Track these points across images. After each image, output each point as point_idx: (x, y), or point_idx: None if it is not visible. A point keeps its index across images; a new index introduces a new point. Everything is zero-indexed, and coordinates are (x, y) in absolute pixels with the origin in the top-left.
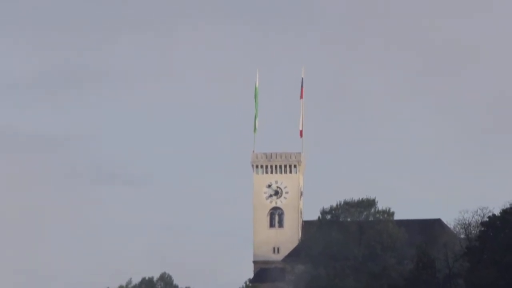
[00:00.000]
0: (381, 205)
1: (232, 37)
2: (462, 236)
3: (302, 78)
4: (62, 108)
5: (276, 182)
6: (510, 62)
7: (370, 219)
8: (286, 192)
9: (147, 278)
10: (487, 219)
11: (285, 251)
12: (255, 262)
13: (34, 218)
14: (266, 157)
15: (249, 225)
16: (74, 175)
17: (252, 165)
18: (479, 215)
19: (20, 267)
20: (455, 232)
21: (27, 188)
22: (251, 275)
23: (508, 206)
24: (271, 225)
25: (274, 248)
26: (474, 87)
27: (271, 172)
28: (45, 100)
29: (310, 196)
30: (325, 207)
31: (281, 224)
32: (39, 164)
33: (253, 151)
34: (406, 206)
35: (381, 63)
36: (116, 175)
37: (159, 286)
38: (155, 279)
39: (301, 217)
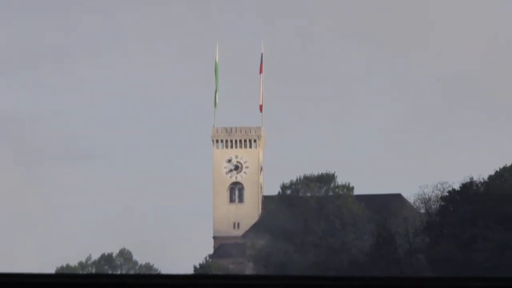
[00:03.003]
0: (340, 180)
1: (191, 11)
2: (422, 211)
3: (262, 53)
4: (22, 86)
5: (236, 156)
6: (464, 35)
7: (329, 194)
8: (246, 167)
9: (106, 254)
10: (447, 194)
11: (245, 226)
12: (215, 238)
13: None
14: (226, 132)
15: (209, 200)
16: (31, 153)
17: (212, 140)
18: (439, 189)
19: None
20: (415, 207)
21: None
22: (211, 251)
23: (467, 180)
24: (231, 200)
25: (234, 224)
26: (430, 62)
27: (231, 147)
28: (3, 79)
29: (270, 171)
30: (285, 182)
31: (241, 199)
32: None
33: (213, 126)
34: (366, 181)
35: (341, 38)
36: (73, 151)
37: (119, 262)
38: (114, 255)
39: (261, 192)
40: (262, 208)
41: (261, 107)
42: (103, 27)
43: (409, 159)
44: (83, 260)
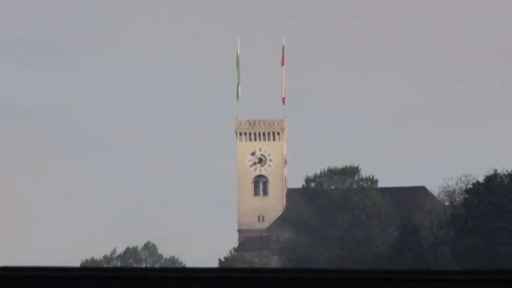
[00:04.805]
0: (364, 173)
1: (212, 4)
2: (447, 203)
3: (283, 45)
4: (31, 78)
5: (260, 149)
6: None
7: (354, 187)
8: (270, 160)
9: (131, 247)
10: (471, 186)
11: (269, 219)
12: (239, 231)
13: (12, 190)
14: (250, 125)
15: (233, 194)
16: (48, 146)
17: (236, 133)
18: (463, 182)
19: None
20: (439, 199)
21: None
22: (236, 244)
23: (492, 173)
24: (256, 193)
25: (258, 217)
26: (448, 48)
27: (255, 140)
28: (11, 70)
29: (294, 163)
30: (309, 175)
31: (265, 192)
32: (11, 135)
33: (237, 119)
34: (390, 174)
35: (364, 29)
36: (92, 145)
37: (143, 256)
38: (139, 248)
39: (285, 185)
40: (286, 201)
41: (284, 100)
42: (120, 19)
43: (433, 152)
44: (108, 253)
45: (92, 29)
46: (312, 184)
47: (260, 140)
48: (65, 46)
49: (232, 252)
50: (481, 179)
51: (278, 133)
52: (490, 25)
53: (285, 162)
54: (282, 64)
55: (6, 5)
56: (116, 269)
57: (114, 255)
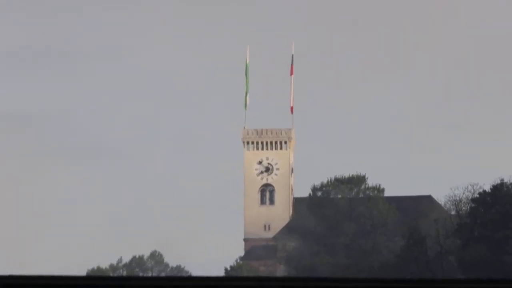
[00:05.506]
0: (371, 182)
1: (222, 13)
2: (453, 212)
3: (292, 55)
4: (31, 80)
5: (267, 158)
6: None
7: (360, 196)
8: (277, 169)
9: (137, 256)
10: (478, 196)
11: (276, 228)
12: (246, 239)
13: (13, 195)
14: (257, 133)
15: (240, 202)
16: (51, 153)
17: (243, 142)
18: (470, 191)
19: (4, 247)
20: (445, 208)
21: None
22: (242, 253)
23: (498, 182)
24: (262, 202)
25: (265, 225)
26: (462, 55)
27: (262, 149)
28: (13, 77)
29: (301, 172)
30: (315, 184)
31: (272, 201)
32: (11, 138)
33: (244, 128)
34: (396, 183)
35: (372, 39)
36: (101, 151)
37: (150, 265)
38: (145, 257)
39: (292, 194)
40: (293, 210)
41: (292, 109)
42: (127, 25)
43: (440, 161)
44: (114, 262)
45: (96, 29)
46: (319, 193)
47: (267, 149)
48: (65, 48)
49: (238, 260)
50: (487, 188)
51: (285, 142)
52: (490, 25)
53: (292, 171)
54: (291, 73)
55: (6, 9)
56: (122, 278)
57: (120, 264)
